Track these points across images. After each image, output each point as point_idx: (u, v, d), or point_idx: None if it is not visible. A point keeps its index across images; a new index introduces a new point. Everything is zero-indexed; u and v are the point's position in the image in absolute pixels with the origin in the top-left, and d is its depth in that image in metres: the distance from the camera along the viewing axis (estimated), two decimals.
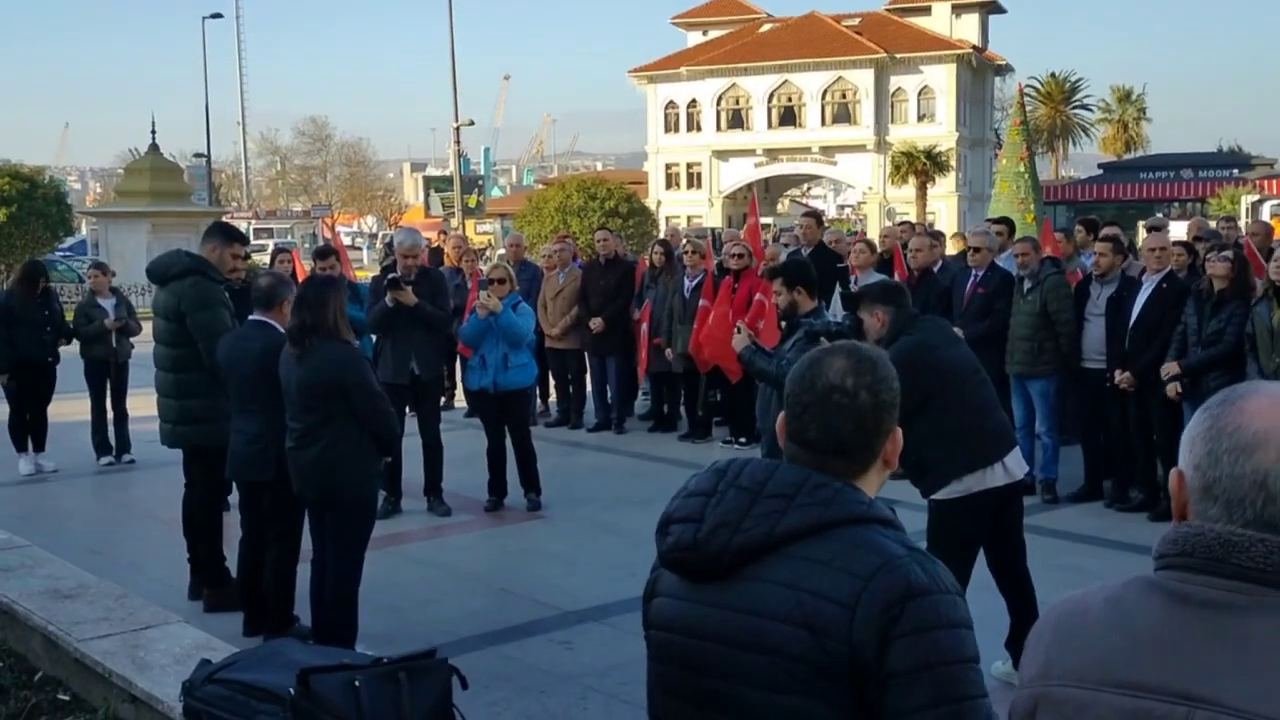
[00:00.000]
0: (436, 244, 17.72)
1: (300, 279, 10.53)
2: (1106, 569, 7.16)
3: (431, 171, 79.85)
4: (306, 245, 55.90)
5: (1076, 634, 1.60)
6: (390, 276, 8.67)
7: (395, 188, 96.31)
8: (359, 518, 5.67)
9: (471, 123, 45.04)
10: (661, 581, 2.08)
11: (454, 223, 41.60)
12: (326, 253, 10.18)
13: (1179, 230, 21.81)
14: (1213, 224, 13.92)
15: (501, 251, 19.29)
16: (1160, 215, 42.05)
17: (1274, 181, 52.77)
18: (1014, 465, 5.17)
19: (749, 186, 59.24)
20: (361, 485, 5.61)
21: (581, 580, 7.15)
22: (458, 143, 43.16)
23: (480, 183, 55.42)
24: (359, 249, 56.86)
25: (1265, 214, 36.31)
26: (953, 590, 1.87)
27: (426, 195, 53.38)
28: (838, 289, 9.44)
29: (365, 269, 35.02)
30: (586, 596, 6.79)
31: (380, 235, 61.22)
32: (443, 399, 10.62)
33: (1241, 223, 31.98)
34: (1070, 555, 7.30)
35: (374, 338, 8.98)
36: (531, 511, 8.78)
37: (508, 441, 8.83)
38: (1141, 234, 10.05)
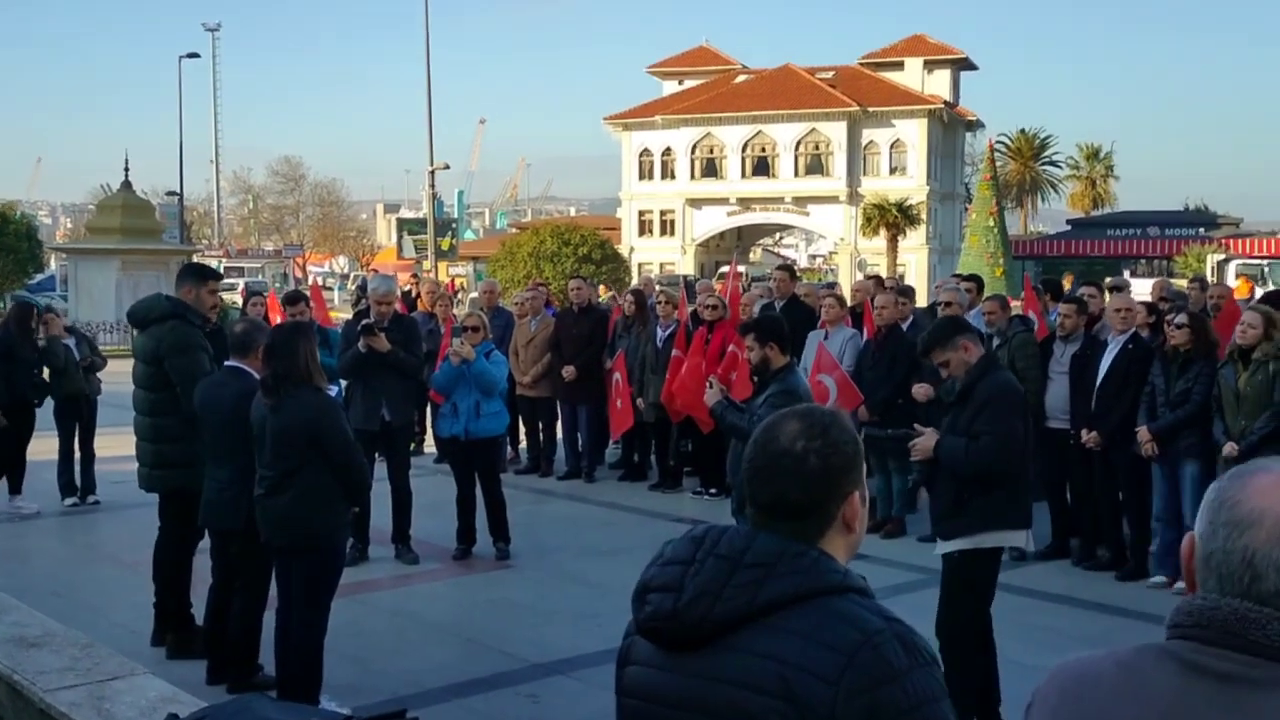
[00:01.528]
0: (407, 286, 17.74)
1: (271, 318, 10.54)
2: (1075, 628, 7.20)
3: (405, 213, 79.77)
4: (278, 285, 55.75)
5: (1087, 700, 1.60)
6: (364, 322, 8.67)
7: (368, 229, 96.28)
8: (327, 567, 5.64)
9: (447, 166, 45.15)
10: (635, 649, 2.06)
11: (426, 265, 41.62)
12: (296, 299, 10.14)
13: (1143, 288, 22.13)
14: (1182, 283, 14.13)
15: (474, 295, 19.29)
16: (1125, 273, 42.63)
17: (1239, 240, 53.61)
18: (1031, 540, 5.65)
19: (722, 235, 59.70)
20: (331, 534, 5.59)
21: (549, 631, 7.11)
22: (432, 185, 43.26)
23: (454, 225, 55.50)
24: (330, 289, 56.68)
25: (1231, 273, 36.84)
26: (931, 660, 1.88)
27: (399, 237, 53.36)
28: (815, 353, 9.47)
29: (337, 309, 34.94)
30: (554, 648, 6.76)
31: (352, 276, 61.07)
32: (412, 445, 10.59)
33: (1211, 281, 32.42)
34: (1039, 614, 7.32)
35: (343, 383, 8.96)
36: (500, 560, 8.73)
37: (477, 489, 8.81)
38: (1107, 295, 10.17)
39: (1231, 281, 32.89)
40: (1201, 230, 58.16)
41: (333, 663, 5.82)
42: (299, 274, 65.66)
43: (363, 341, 8.40)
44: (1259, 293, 27.63)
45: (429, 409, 11.65)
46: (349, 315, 13.27)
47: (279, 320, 10.19)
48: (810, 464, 1.98)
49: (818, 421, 2.04)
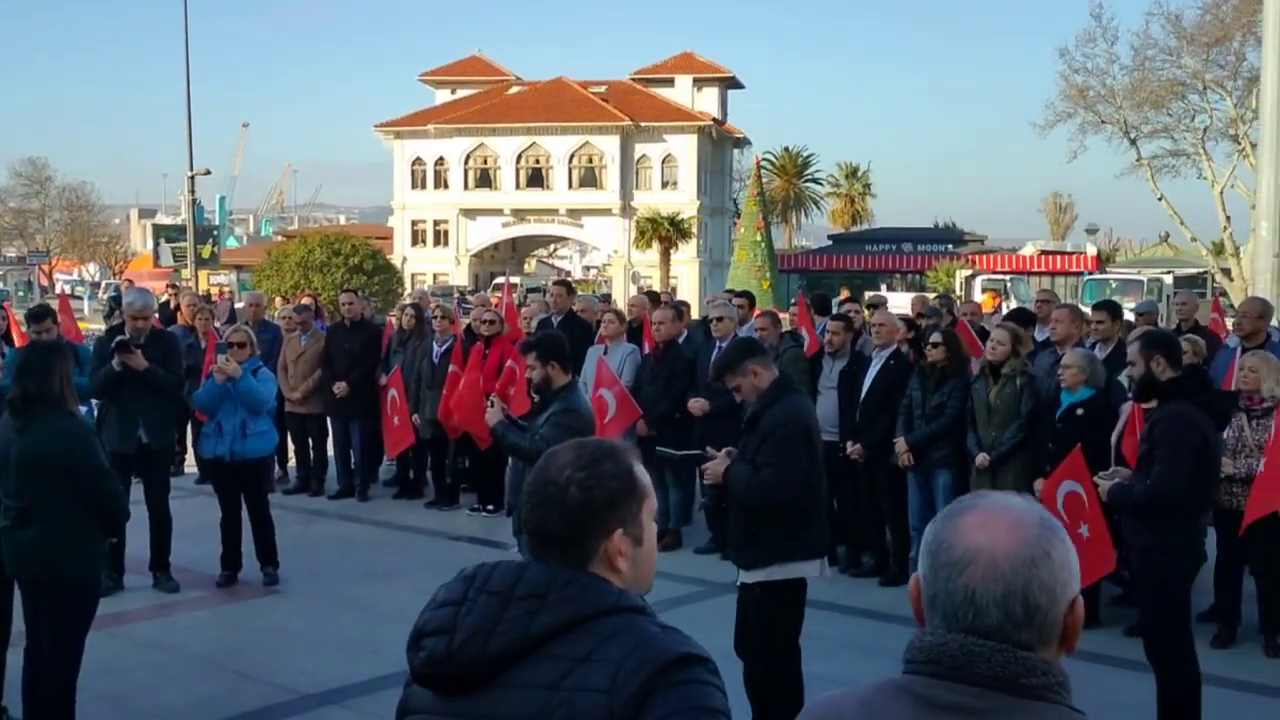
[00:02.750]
0: (165, 296, 16.86)
1: (14, 334, 9.77)
2: (843, 633, 7.45)
3: (162, 219, 76.18)
4: (21, 293, 52.14)
5: None
6: (118, 339, 8.17)
7: (121, 235, 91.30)
8: (80, 602, 5.28)
9: (208, 171, 43.34)
10: (414, 698, 2.01)
11: (186, 274, 39.77)
12: (42, 314, 9.26)
13: (901, 302, 23.28)
14: (931, 297, 14.91)
15: (240, 304, 18.47)
16: (882, 287, 44.69)
17: (984, 256, 57.01)
18: (827, 569, 5.58)
19: (497, 246, 59.44)
20: (84, 568, 5.24)
21: (322, 660, 6.87)
22: (192, 191, 41.37)
23: (215, 233, 53.17)
24: (80, 298, 53.49)
25: (978, 288, 39.13)
26: (706, 657, 1.91)
27: (156, 244, 50.71)
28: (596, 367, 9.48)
29: (87, 319, 32.97)
30: (327, 678, 6.53)
31: (104, 285, 57.78)
32: (171, 466, 10.06)
33: (958, 296, 34.40)
34: (810, 622, 7.43)
35: (95, 403, 8.42)
36: (268, 586, 8.40)
37: (243, 511, 8.45)
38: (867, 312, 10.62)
39: (978, 296, 34.97)
40: (950, 246, 61.65)
41: (86, 702, 5.46)
42: (44, 281, 61.68)
43: (117, 359, 7.93)
44: (1004, 307, 29.48)
45: (190, 428, 11.10)
46: (100, 326, 12.54)
47: (17, 337, 9.49)
48: (571, 495, 1.98)
49: (589, 453, 2.03)
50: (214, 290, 38.33)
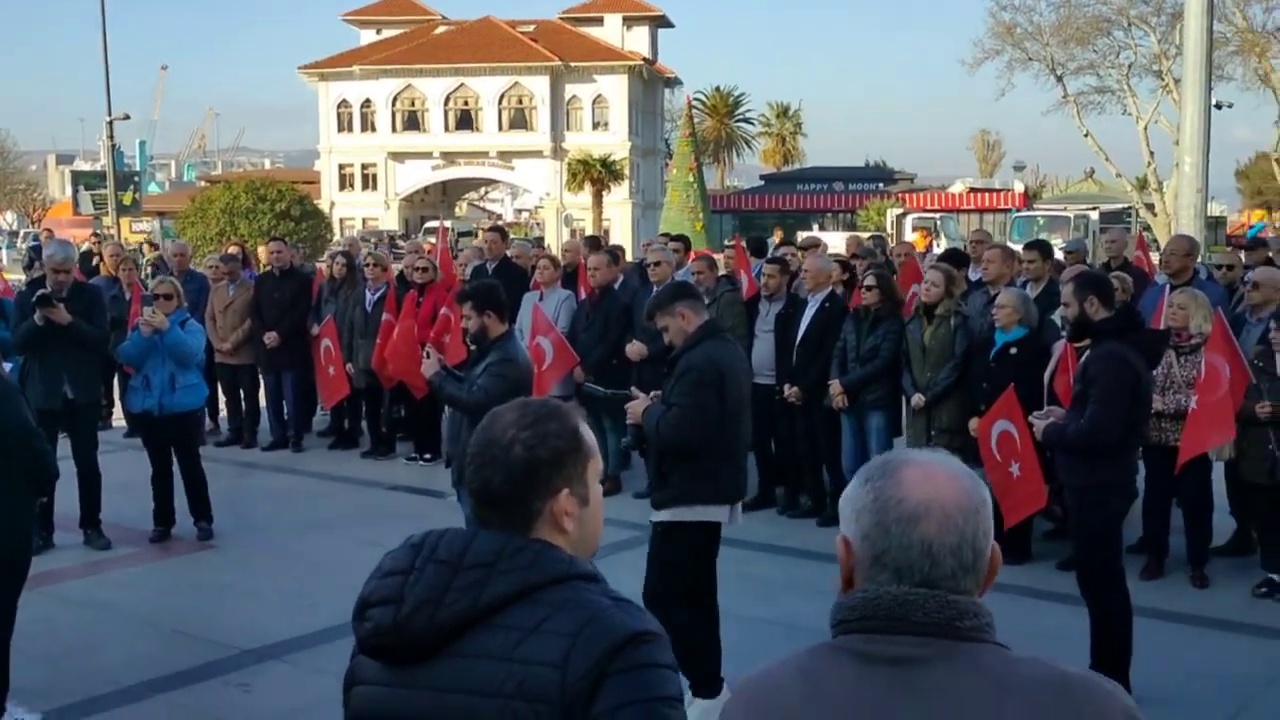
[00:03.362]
0: (88, 246, 16.43)
1: None
2: (783, 574, 7.54)
3: (80, 165, 74.05)
4: None
5: (774, 712, 1.65)
6: (40, 293, 7.93)
7: (38, 181, 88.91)
8: (11, 569, 5.15)
9: (127, 116, 42.03)
10: (361, 669, 1.97)
11: (107, 221, 38.80)
12: None
13: (836, 240, 23.36)
14: (865, 236, 15.00)
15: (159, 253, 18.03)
16: (815, 227, 44.86)
17: (914, 195, 57.48)
18: (738, 515, 5.45)
19: (427, 190, 58.69)
20: (14, 544, 5.10)
21: (260, 615, 6.80)
22: (111, 136, 40.22)
23: (136, 179, 51.75)
24: None
25: (909, 226, 39.44)
26: (658, 634, 1.88)
27: (75, 191, 49.24)
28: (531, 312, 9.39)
29: (7, 270, 32.12)
30: (266, 633, 6.46)
31: (22, 234, 56.19)
32: (99, 420, 9.84)
33: (889, 234, 34.64)
34: (750, 564, 7.59)
35: (20, 359, 8.20)
36: (202, 541, 8.29)
37: (174, 466, 8.30)
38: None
39: (909, 234, 35.24)
40: (881, 185, 62.04)
41: (20, 664, 5.37)
42: None
43: (39, 314, 7.71)
44: (935, 245, 29.75)
45: (117, 381, 10.88)
46: (20, 277, 12.20)
47: None
48: (515, 453, 1.95)
49: (533, 412, 2.01)
50: (144, 244, 37.40)
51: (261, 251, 11.81)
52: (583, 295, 9.87)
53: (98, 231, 21.32)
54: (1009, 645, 1.64)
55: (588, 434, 2.05)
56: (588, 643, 1.80)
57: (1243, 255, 10.90)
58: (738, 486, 5.44)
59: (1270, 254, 10.58)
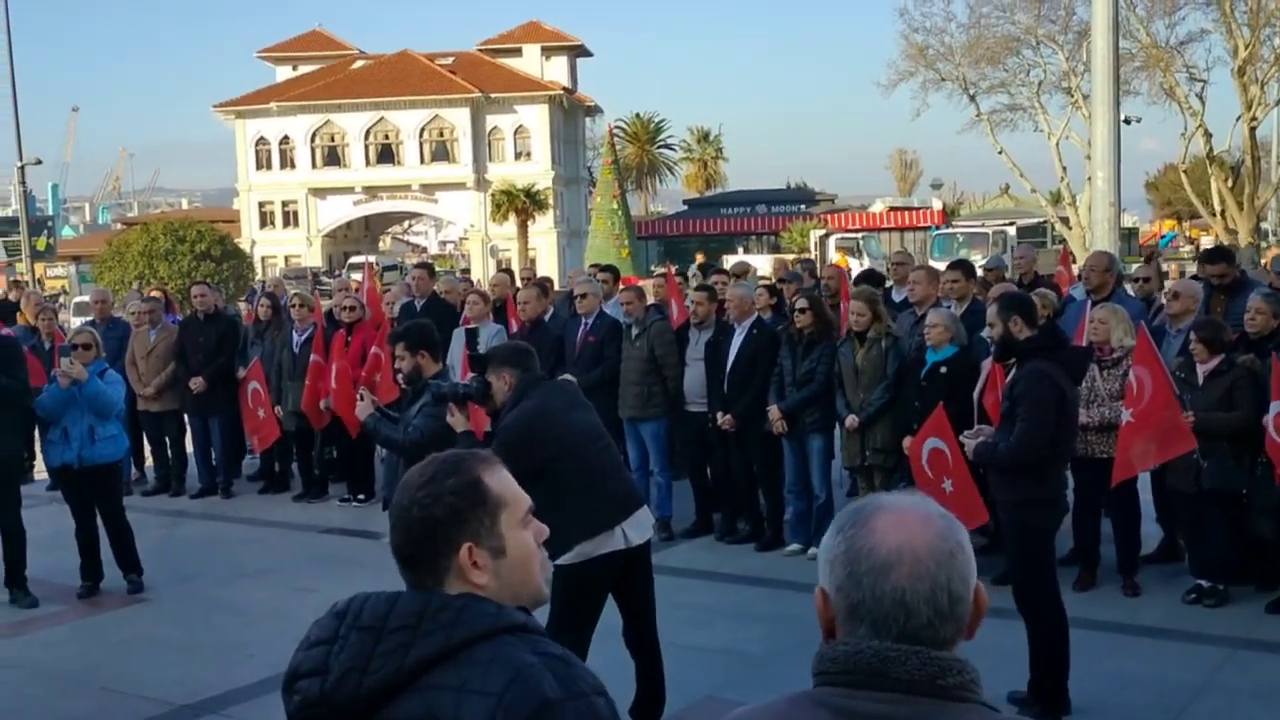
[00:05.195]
0: (2, 293, 16.07)
1: None
2: (722, 602, 7.54)
3: None
4: None
5: None
6: None
7: None
8: None
9: (38, 161, 41.29)
10: None
11: (21, 268, 37.98)
12: None
13: (762, 263, 23.53)
14: (790, 259, 15.12)
15: (79, 298, 17.70)
16: (739, 250, 45.17)
17: (836, 215, 58.18)
18: (635, 532, 5.08)
19: (350, 225, 58.23)
20: None
21: (195, 668, 6.63)
22: (23, 182, 39.43)
23: (49, 223, 50.92)
24: None
25: (832, 247, 39.91)
26: (590, 691, 1.85)
27: None
28: (464, 349, 9.34)
29: None
30: (202, 686, 6.31)
31: None
32: (20, 476, 9.58)
33: (814, 255, 35.01)
34: (688, 592, 7.58)
35: None
36: (133, 594, 8.09)
37: (98, 519, 8.11)
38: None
39: (833, 255, 35.67)
40: (803, 206, 62.72)
41: None
42: None
43: None
44: (854, 265, 30.10)
45: (39, 433, 10.59)
46: None
47: None
48: (413, 515, 1.96)
49: (432, 470, 2.00)
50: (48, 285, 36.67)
51: (197, 289, 11.62)
52: (514, 329, 9.84)
53: (14, 279, 20.84)
54: (996, 708, 1.62)
55: (497, 483, 2.00)
56: (513, 704, 1.77)
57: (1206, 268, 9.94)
58: (610, 511, 5.06)
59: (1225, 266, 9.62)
